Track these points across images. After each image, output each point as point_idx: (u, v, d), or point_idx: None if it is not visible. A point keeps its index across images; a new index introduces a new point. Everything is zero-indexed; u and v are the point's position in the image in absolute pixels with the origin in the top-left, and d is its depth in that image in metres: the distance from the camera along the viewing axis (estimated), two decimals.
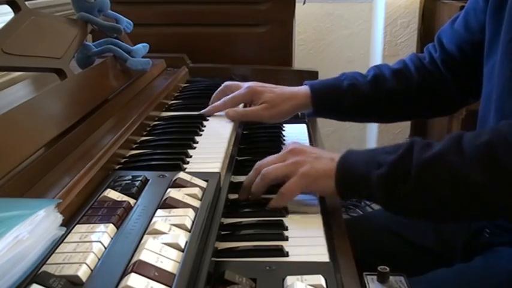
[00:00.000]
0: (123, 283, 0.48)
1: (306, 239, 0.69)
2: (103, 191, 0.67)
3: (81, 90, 0.92)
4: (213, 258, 0.61)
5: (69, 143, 0.78)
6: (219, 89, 1.10)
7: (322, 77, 1.21)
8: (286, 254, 0.64)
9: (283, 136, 1.07)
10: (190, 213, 0.62)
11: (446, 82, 1.05)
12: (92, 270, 0.51)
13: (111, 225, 0.59)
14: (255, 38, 1.46)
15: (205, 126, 1.00)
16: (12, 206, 0.53)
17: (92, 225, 0.59)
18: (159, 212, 0.62)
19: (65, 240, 0.55)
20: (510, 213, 0.74)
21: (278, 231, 0.69)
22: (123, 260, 0.52)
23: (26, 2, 0.87)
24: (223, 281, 0.56)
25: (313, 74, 1.36)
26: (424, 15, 2.47)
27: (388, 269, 0.62)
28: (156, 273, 0.49)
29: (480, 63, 0.93)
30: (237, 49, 1.47)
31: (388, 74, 1.06)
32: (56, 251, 0.53)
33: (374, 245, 1.02)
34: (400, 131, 2.53)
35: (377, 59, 2.53)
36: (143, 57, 1.14)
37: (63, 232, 0.52)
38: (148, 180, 0.72)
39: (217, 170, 0.79)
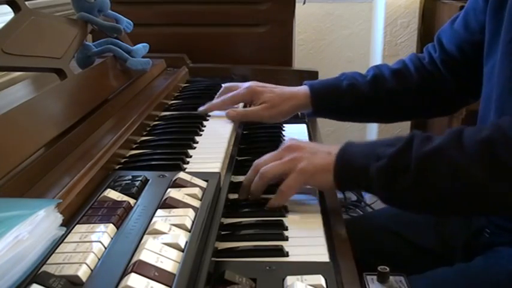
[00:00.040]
0: (123, 283, 0.48)
1: (306, 239, 0.69)
2: (103, 191, 0.67)
3: (81, 90, 0.92)
4: (213, 258, 0.61)
5: (69, 143, 0.78)
6: (219, 91, 1.10)
7: (322, 77, 1.21)
8: (286, 254, 0.64)
9: (283, 136, 1.07)
10: (190, 213, 0.62)
11: (446, 82, 1.05)
12: (92, 270, 0.51)
13: (111, 225, 0.59)
14: (255, 38, 1.46)
15: (205, 126, 1.00)
16: (12, 206, 0.53)
17: (92, 225, 0.59)
18: (159, 212, 0.62)
19: (65, 240, 0.55)
20: (509, 209, 0.74)
21: (278, 231, 0.69)
22: (123, 260, 0.52)
23: (26, 2, 0.87)
24: (223, 281, 0.56)
25: (313, 74, 1.36)
26: (424, 15, 2.47)
27: (388, 269, 0.61)
28: (156, 273, 0.49)
29: (480, 63, 0.93)
30: (237, 49, 1.47)
31: (388, 74, 1.06)
32: (56, 251, 0.53)
33: (374, 245, 1.01)
34: (400, 131, 2.53)
35: (377, 59, 2.53)
36: (143, 57, 1.14)
37: (63, 232, 0.52)
38: (148, 180, 0.72)
39: (217, 170, 0.79)
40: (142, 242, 0.55)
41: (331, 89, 1.05)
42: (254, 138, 1.06)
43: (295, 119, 1.13)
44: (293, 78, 1.34)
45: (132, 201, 0.66)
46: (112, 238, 0.57)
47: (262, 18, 1.45)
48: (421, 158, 0.70)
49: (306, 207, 0.78)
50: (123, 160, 0.83)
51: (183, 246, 0.55)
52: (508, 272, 0.83)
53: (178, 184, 0.69)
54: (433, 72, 1.06)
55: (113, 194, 0.66)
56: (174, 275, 0.51)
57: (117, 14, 1.14)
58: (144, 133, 0.96)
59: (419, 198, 0.72)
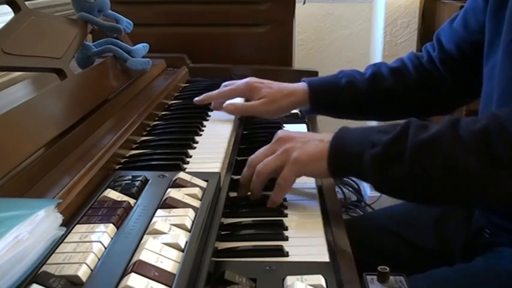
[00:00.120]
0: (123, 283, 0.48)
1: (306, 239, 0.68)
2: (103, 191, 0.67)
3: (81, 90, 0.92)
4: (213, 258, 0.61)
5: (69, 143, 0.78)
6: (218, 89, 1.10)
7: None
8: (286, 254, 0.64)
9: None
10: (190, 213, 0.62)
11: (444, 81, 1.05)
12: (92, 270, 0.51)
13: (111, 225, 0.59)
14: (255, 38, 1.46)
15: (205, 126, 1.00)
16: (12, 206, 0.53)
17: (92, 225, 0.59)
18: (159, 212, 0.62)
19: (65, 240, 0.55)
20: (502, 200, 0.73)
21: (278, 231, 0.69)
22: (123, 260, 0.52)
23: (26, 2, 0.87)
24: (223, 281, 0.56)
25: (313, 74, 1.36)
26: (424, 15, 2.46)
27: (388, 269, 0.61)
28: (156, 273, 0.49)
29: (479, 62, 0.93)
30: (237, 49, 1.47)
31: (386, 72, 1.06)
32: (56, 251, 0.53)
33: (374, 245, 1.01)
34: None
35: (377, 59, 2.53)
36: (143, 57, 1.14)
37: (63, 232, 0.52)
38: (148, 180, 0.72)
39: (217, 170, 0.79)
40: (142, 242, 0.55)
41: (329, 86, 1.05)
42: (254, 138, 1.06)
43: (295, 119, 1.13)
44: (293, 78, 1.33)
45: (132, 201, 0.66)
46: (112, 238, 0.57)
47: (262, 18, 1.45)
48: (416, 146, 0.69)
49: (306, 207, 0.78)
50: (123, 160, 0.83)
51: (183, 246, 0.55)
52: (509, 272, 0.82)
53: (178, 184, 0.69)
54: (431, 71, 1.06)
55: (112, 194, 0.66)
56: (174, 275, 0.50)
57: (117, 14, 1.14)
58: (144, 133, 0.96)
59: (412, 187, 0.71)
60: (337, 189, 1.54)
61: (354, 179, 2.63)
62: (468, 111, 1.91)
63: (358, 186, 2.63)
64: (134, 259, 0.51)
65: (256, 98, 1.04)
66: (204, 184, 0.71)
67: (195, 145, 0.90)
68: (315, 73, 1.37)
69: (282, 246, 0.65)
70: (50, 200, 0.60)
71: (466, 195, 0.72)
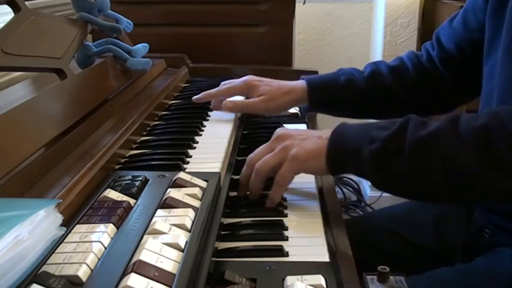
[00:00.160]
0: (123, 283, 0.48)
1: (306, 239, 0.68)
2: (103, 191, 0.67)
3: (81, 90, 0.92)
4: (213, 258, 0.61)
5: (69, 143, 0.78)
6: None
7: None
8: (286, 254, 0.64)
9: None
10: (190, 213, 0.62)
11: (444, 80, 1.05)
12: (92, 270, 0.51)
13: (111, 225, 0.59)
14: (255, 38, 1.46)
15: (205, 126, 1.00)
16: (12, 206, 0.53)
17: (92, 225, 0.59)
18: (159, 212, 0.62)
19: (65, 240, 0.55)
20: (501, 198, 0.73)
21: (278, 231, 0.69)
22: (123, 260, 0.52)
23: (26, 2, 0.87)
24: (223, 281, 0.56)
25: (313, 74, 1.36)
26: (424, 15, 2.46)
27: (388, 269, 0.61)
28: (156, 273, 0.49)
29: (478, 61, 0.93)
30: (237, 49, 1.47)
31: (385, 70, 1.06)
32: (56, 251, 0.53)
33: (374, 245, 1.01)
34: None
35: (377, 59, 2.49)
36: (143, 57, 1.14)
37: (63, 232, 0.52)
38: (148, 180, 0.72)
39: (217, 170, 0.79)
40: (142, 242, 0.55)
41: (328, 84, 1.05)
42: (254, 138, 1.06)
43: (295, 119, 1.13)
44: (293, 78, 1.33)
45: (132, 201, 0.66)
46: (112, 238, 0.57)
47: (262, 18, 1.45)
48: (415, 143, 0.69)
49: (306, 207, 0.78)
50: (123, 160, 0.83)
51: (183, 246, 0.55)
52: (509, 272, 0.82)
53: (178, 184, 0.69)
54: (430, 69, 1.06)
55: (112, 194, 0.66)
56: (174, 275, 0.50)
57: (117, 14, 1.14)
58: (144, 133, 0.96)
59: (411, 183, 0.71)
60: (337, 189, 1.54)
61: (354, 178, 2.63)
62: (468, 111, 1.91)
63: (358, 186, 2.63)
64: (134, 259, 0.51)
65: (255, 95, 1.04)
66: (204, 184, 0.71)
67: (195, 145, 0.90)
68: (315, 73, 1.36)
69: (282, 246, 0.65)
70: (50, 200, 0.60)
71: (465, 193, 0.71)
